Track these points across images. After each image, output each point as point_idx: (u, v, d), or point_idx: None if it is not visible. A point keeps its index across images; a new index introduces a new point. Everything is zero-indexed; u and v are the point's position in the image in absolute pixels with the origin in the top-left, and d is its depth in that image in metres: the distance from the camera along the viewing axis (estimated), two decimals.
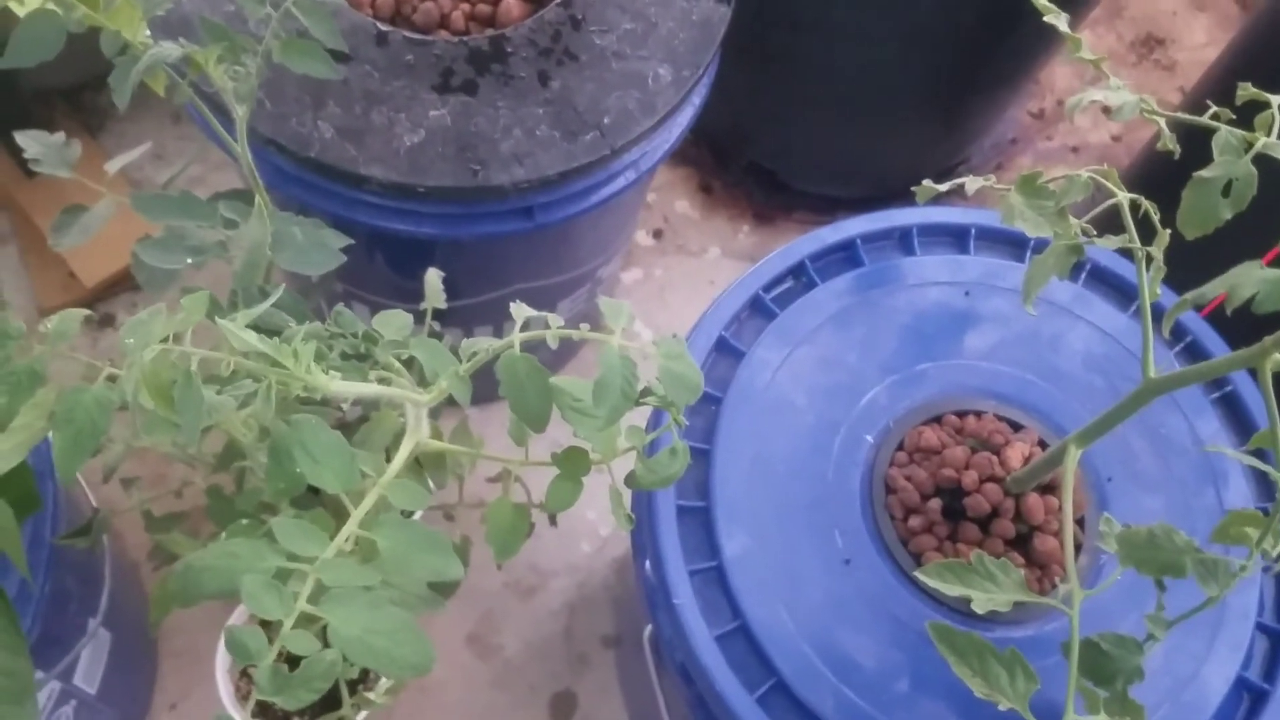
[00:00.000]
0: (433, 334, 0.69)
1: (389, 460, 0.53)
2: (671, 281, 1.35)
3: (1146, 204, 0.57)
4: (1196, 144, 0.53)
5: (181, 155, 1.29)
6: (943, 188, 0.65)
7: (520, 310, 0.45)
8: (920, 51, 1.17)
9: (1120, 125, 1.43)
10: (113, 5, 0.64)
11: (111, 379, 0.51)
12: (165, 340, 0.46)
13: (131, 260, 0.72)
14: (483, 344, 0.46)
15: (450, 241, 0.85)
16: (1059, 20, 0.53)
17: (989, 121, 1.35)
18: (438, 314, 0.72)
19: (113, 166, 0.78)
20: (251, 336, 0.44)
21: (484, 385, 0.52)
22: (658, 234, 1.37)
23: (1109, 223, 0.56)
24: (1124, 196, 0.57)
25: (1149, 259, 0.56)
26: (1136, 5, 1.51)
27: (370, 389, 0.47)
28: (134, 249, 0.68)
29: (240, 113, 0.65)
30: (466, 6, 0.81)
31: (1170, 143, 0.51)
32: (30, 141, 0.76)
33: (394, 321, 0.58)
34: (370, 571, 0.43)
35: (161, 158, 1.31)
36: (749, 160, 1.37)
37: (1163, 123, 0.51)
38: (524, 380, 0.44)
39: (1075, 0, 1.14)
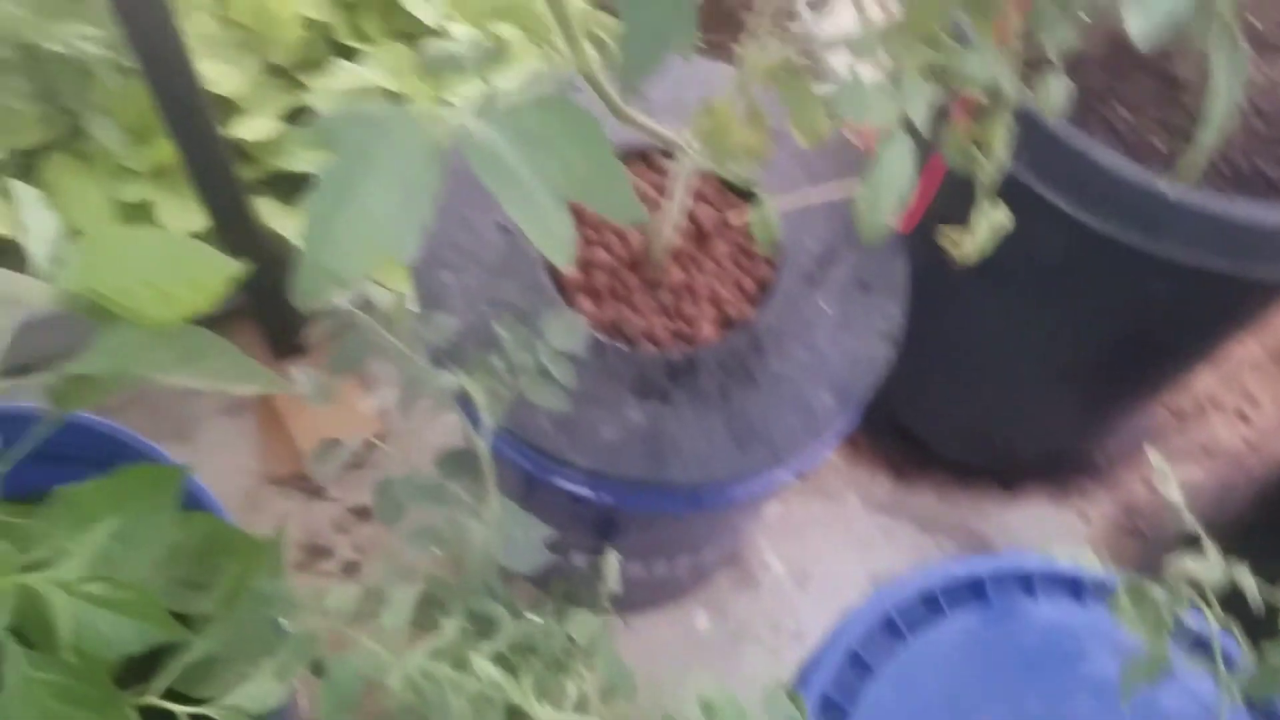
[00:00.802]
0: (602, 608, 0.83)
1: None
2: (809, 520, 1.46)
3: (1236, 631, 0.67)
4: None
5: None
6: (1065, 556, 0.77)
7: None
8: (1068, 348, 1.28)
9: (1254, 430, 1.50)
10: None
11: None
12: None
13: (378, 512, 0.89)
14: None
15: (623, 508, 0.99)
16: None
17: (1126, 415, 1.43)
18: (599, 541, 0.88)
19: (370, 404, 0.97)
20: (495, 673, 0.58)
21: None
22: (802, 475, 1.49)
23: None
24: (1215, 626, 0.67)
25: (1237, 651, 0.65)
26: None
27: None
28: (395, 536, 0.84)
29: (489, 421, 0.81)
30: (669, 324, 0.97)
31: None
32: (303, 378, 0.95)
33: (587, 628, 0.72)
34: None
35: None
36: (892, 421, 1.48)
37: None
38: None
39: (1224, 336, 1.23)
